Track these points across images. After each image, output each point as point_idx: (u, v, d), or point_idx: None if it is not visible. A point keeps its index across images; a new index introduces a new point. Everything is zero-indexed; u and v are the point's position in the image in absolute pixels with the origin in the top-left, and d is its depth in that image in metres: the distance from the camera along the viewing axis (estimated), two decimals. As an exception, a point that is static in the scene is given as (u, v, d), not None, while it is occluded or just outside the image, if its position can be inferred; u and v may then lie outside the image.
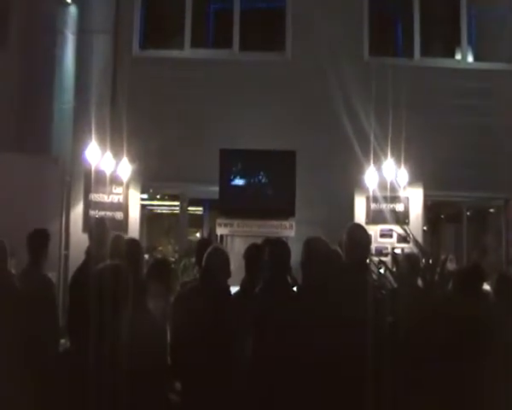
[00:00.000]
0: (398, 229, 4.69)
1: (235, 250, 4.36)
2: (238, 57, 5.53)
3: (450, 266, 3.81)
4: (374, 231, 4.98)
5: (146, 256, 4.38)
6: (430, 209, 5.66)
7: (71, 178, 4.83)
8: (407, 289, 2.76)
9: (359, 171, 5.09)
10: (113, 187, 5.00)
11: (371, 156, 5.02)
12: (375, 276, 3.30)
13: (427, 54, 5.61)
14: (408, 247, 4.56)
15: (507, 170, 5.29)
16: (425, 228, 5.32)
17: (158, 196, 8.03)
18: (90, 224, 4.08)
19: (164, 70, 5.40)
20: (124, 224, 4.87)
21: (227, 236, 4.54)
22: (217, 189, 4.59)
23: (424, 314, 2.39)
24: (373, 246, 4.90)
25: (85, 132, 4.66)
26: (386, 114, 4.90)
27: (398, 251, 4.73)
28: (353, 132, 5.08)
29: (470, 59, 5.74)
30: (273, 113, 5.37)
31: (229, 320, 2.37)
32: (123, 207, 4.94)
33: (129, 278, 1.86)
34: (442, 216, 6.06)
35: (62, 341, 2.95)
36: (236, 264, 4.37)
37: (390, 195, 5.07)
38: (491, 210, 5.83)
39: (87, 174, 4.77)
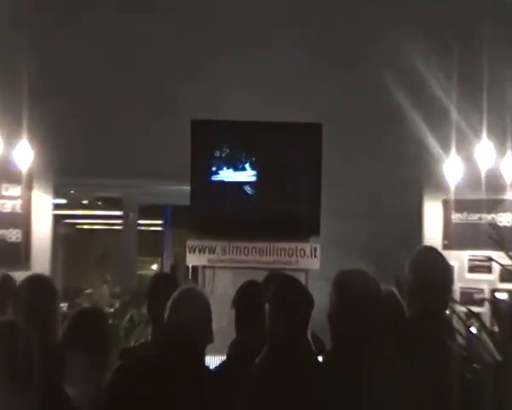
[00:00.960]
0: (502, 258, 4.49)
1: (219, 293, 4.41)
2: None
3: None
4: (458, 260, 5.02)
5: (63, 306, 4.40)
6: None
7: None
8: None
9: (432, 160, 5.22)
10: (4, 187, 5.00)
11: (453, 137, 5.10)
12: (461, 339, 3.29)
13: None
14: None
15: None
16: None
17: (85, 202, 8.08)
18: None
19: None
20: (23, 249, 4.81)
21: (205, 268, 4.58)
22: (186, 188, 4.64)
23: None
24: (456, 287, 4.94)
25: None
26: (478, 72, 4.99)
27: (501, 297, 4.70)
28: (420, 98, 5.17)
29: None
30: (279, 64, 5.45)
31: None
32: (21, 220, 4.87)
33: (31, 346, 1.89)
34: None
35: None
36: (222, 317, 4.43)
37: (487, 198, 5.10)
38: None
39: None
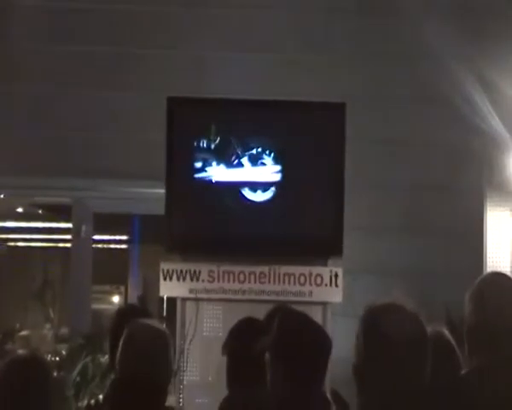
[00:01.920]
0: None
1: (204, 335, 4.42)
2: None
3: None
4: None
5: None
6: None
7: None
8: None
9: (496, 155, 5.23)
10: None
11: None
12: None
13: None
14: None
15: None
16: None
17: (19, 210, 8.11)
18: None
19: None
20: None
21: (185, 301, 4.60)
22: (160, 192, 4.67)
23: None
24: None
25: None
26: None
27: None
28: (479, 73, 5.23)
29: None
30: (283, 25, 5.50)
31: None
32: None
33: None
34: None
35: None
36: (209, 367, 4.44)
37: None
38: None
39: None
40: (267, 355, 2.72)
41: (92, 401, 3.66)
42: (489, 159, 5.28)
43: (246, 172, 4.54)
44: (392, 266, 5.17)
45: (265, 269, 4.52)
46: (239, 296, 4.48)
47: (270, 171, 4.55)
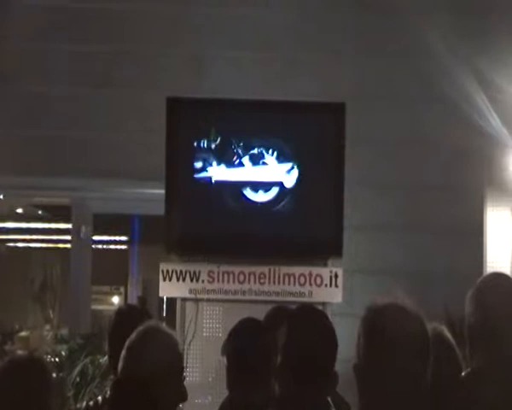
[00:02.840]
0: None
1: (204, 336, 4.42)
2: None
3: None
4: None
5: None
6: None
7: None
8: None
9: (496, 154, 5.24)
10: None
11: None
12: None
13: None
14: None
15: None
16: None
17: (19, 211, 8.10)
18: None
19: None
20: None
21: (185, 302, 4.60)
22: (160, 192, 4.67)
23: None
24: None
25: None
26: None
27: None
28: (479, 74, 5.23)
29: None
30: (279, 24, 5.51)
31: None
32: None
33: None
34: None
35: None
36: (208, 368, 4.43)
37: None
38: None
39: None
40: (278, 358, 2.70)
41: (91, 403, 3.65)
42: (489, 158, 5.28)
43: (246, 172, 4.54)
44: (392, 266, 5.17)
45: (265, 269, 4.52)
46: (239, 297, 4.48)
47: (271, 170, 4.55)
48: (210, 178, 4.53)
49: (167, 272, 4.54)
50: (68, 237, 6.15)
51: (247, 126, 4.62)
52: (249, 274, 4.52)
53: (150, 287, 8.27)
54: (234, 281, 4.51)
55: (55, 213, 8.01)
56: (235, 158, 4.55)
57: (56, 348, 5.81)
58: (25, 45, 5.50)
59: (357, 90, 5.31)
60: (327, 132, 4.57)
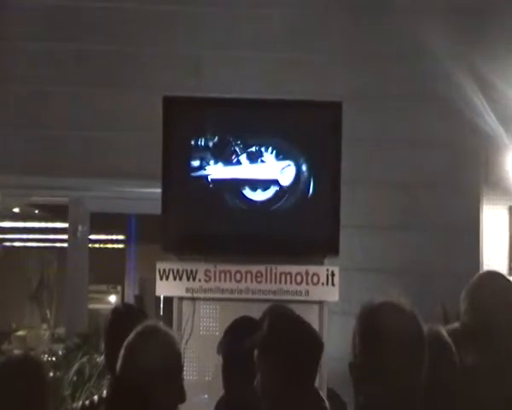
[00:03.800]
0: None
1: (201, 334, 4.42)
2: None
3: None
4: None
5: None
6: None
7: None
8: None
9: (492, 152, 5.25)
10: None
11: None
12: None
13: None
14: None
15: None
16: None
17: (16, 210, 8.10)
18: None
19: None
20: None
21: (181, 300, 4.60)
22: (156, 191, 4.67)
23: None
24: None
25: None
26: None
27: None
28: (476, 72, 5.24)
29: None
30: (278, 20, 5.51)
31: None
32: None
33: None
34: None
35: None
36: (205, 367, 4.43)
37: None
38: None
39: None
40: (256, 353, 2.72)
41: (87, 402, 3.65)
42: (485, 157, 5.30)
43: (244, 170, 4.54)
44: (388, 264, 5.18)
45: (262, 268, 4.52)
46: (236, 296, 4.48)
47: (268, 169, 4.55)
48: (207, 176, 4.53)
49: (164, 270, 4.54)
50: (65, 237, 6.14)
51: (244, 125, 4.61)
52: (246, 273, 4.52)
53: (147, 286, 8.27)
54: (230, 280, 4.51)
55: (52, 212, 8.00)
56: (232, 157, 4.55)
57: (53, 347, 5.82)
58: (22, 45, 5.51)
59: (354, 89, 5.32)
60: (324, 131, 4.57)
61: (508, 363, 2.59)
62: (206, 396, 3.76)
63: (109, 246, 10.09)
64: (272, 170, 4.55)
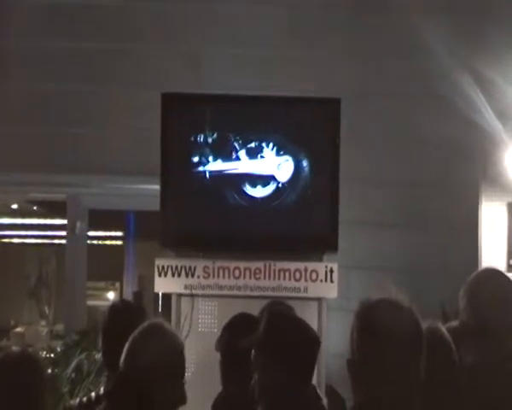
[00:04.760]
0: None
1: (199, 331, 4.42)
2: None
3: None
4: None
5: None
6: None
7: None
8: None
9: (492, 149, 5.25)
10: None
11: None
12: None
13: None
14: None
15: None
16: None
17: (14, 207, 8.09)
18: None
19: None
20: None
21: (180, 297, 4.60)
22: (155, 187, 4.67)
23: None
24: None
25: None
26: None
27: None
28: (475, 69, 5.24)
29: None
30: (279, 17, 5.51)
31: None
32: None
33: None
34: None
35: None
36: (203, 364, 4.42)
37: None
38: None
39: None
40: (252, 353, 2.73)
41: (84, 399, 3.65)
42: (484, 153, 5.29)
43: (243, 167, 4.54)
44: (387, 261, 5.18)
45: (261, 265, 4.52)
46: (234, 292, 4.48)
47: (267, 165, 4.55)
48: (206, 173, 4.53)
49: (162, 267, 4.54)
50: (63, 233, 6.14)
51: (243, 121, 4.61)
52: (245, 270, 4.52)
53: (146, 283, 8.27)
54: (229, 276, 4.52)
55: (51, 208, 8.00)
56: (231, 153, 4.55)
57: (51, 343, 5.82)
58: (20, 42, 5.50)
59: (353, 86, 5.31)
60: (322, 128, 4.58)
61: (506, 361, 2.59)
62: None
63: (108, 243, 10.10)
64: (271, 167, 4.55)
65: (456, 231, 5.26)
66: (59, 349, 5.37)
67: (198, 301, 4.53)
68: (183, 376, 2.61)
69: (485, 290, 2.62)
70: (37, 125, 5.51)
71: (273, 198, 4.53)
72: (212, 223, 4.55)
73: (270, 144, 4.55)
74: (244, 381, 2.96)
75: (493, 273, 2.78)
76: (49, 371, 4.94)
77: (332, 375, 3.85)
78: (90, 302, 7.04)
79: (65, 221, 5.96)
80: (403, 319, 2.30)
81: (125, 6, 5.51)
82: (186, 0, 5.54)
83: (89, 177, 5.55)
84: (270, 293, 4.41)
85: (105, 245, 9.90)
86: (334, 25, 5.48)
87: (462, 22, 5.35)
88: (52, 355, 5.39)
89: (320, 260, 4.57)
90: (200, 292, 4.52)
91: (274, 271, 4.53)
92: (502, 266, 5.16)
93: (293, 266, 4.52)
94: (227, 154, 4.54)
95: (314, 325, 3.56)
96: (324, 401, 2.96)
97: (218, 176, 4.53)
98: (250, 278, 4.51)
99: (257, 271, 4.52)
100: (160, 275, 4.54)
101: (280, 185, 4.54)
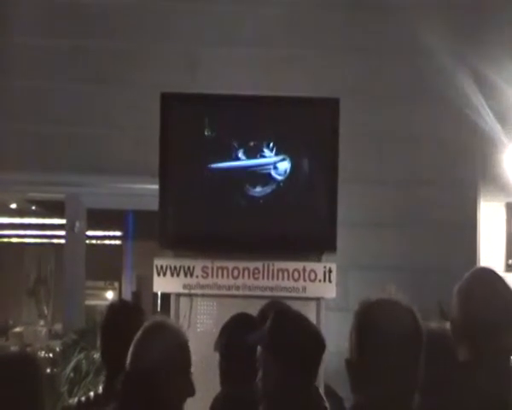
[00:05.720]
0: None
1: (198, 331, 4.42)
2: None
3: None
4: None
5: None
6: None
7: None
8: None
9: (490, 150, 5.26)
10: None
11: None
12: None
13: None
14: None
15: None
16: None
17: (13, 206, 8.08)
18: None
19: None
20: None
21: (179, 297, 4.60)
22: (153, 187, 4.67)
23: None
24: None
25: None
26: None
27: None
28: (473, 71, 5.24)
29: None
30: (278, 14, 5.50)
31: None
32: None
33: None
34: None
35: None
36: (201, 364, 4.43)
37: None
38: None
39: None
40: (259, 349, 2.72)
41: (83, 398, 3.64)
42: (483, 154, 5.30)
43: (241, 167, 4.54)
44: (386, 261, 5.18)
45: (259, 265, 4.51)
46: (233, 292, 4.48)
47: (266, 165, 4.55)
48: (204, 172, 4.52)
49: (161, 267, 4.54)
50: (62, 233, 6.14)
51: (242, 121, 4.61)
52: (243, 269, 4.52)
53: (144, 282, 8.27)
54: (228, 276, 4.51)
55: (49, 208, 7.99)
56: (230, 153, 4.55)
57: (50, 343, 5.81)
58: (18, 40, 5.49)
59: (351, 86, 5.31)
60: (321, 128, 4.57)
61: (497, 360, 2.58)
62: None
63: (106, 242, 10.08)
64: (269, 165, 4.54)
65: (455, 231, 5.27)
66: (58, 349, 5.38)
67: (197, 301, 4.52)
68: (189, 369, 2.63)
69: (478, 290, 2.62)
70: (36, 125, 5.50)
71: (272, 198, 4.53)
72: (210, 223, 4.54)
73: (269, 144, 4.55)
74: (243, 381, 2.96)
75: (486, 273, 2.78)
76: (48, 370, 4.94)
77: (330, 375, 3.85)
78: (89, 302, 7.05)
79: (64, 221, 5.96)
80: (402, 318, 2.30)
81: (124, 6, 5.51)
82: (185, 0, 5.53)
83: (87, 176, 5.55)
84: (268, 293, 4.41)
85: (104, 245, 9.89)
86: (332, 25, 5.48)
87: (462, 23, 5.35)
88: (51, 355, 5.40)
89: (319, 260, 4.56)
90: (198, 292, 4.51)
91: (272, 271, 4.52)
92: (500, 265, 5.17)
93: (291, 266, 4.52)
94: (226, 154, 4.53)
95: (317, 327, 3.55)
96: (326, 403, 2.95)
97: (217, 176, 4.53)
98: (249, 277, 4.50)
99: (255, 271, 4.51)
100: (158, 275, 4.53)
101: (279, 185, 4.53)
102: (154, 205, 4.56)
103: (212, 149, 4.54)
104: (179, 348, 2.62)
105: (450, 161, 5.33)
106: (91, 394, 3.63)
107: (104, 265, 8.87)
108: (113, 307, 3.62)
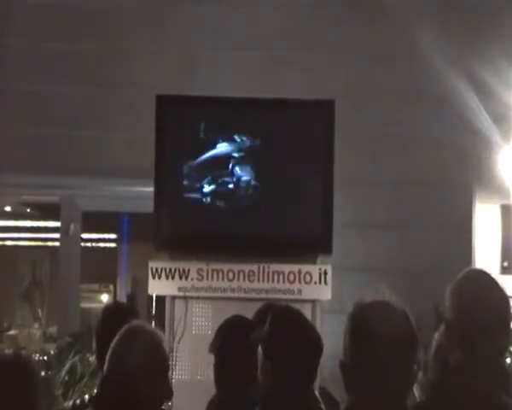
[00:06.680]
0: None
1: (193, 333, 4.42)
2: None
3: None
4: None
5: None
6: None
7: None
8: None
9: (486, 152, 5.26)
10: None
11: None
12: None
13: None
14: None
15: None
16: None
17: (7, 209, 8.08)
18: None
19: None
20: None
21: (174, 299, 4.61)
22: (148, 190, 4.67)
23: None
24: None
25: None
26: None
27: None
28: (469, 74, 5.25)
29: None
30: (271, 16, 5.52)
31: None
32: None
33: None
34: None
35: None
36: (197, 366, 4.43)
37: None
38: None
39: None
40: (259, 349, 2.72)
41: (78, 401, 3.65)
42: (478, 156, 5.31)
43: (237, 169, 4.55)
44: (381, 263, 5.19)
45: (255, 267, 4.52)
46: (228, 294, 4.48)
47: (262, 167, 4.56)
48: (200, 175, 4.54)
49: (156, 269, 4.54)
50: (57, 235, 6.14)
51: (237, 123, 4.62)
52: (238, 272, 4.52)
53: (139, 285, 8.27)
54: (223, 279, 4.52)
55: (44, 211, 7.99)
56: (225, 155, 4.55)
57: (45, 346, 5.81)
58: (14, 43, 5.50)
59: (346, 87, 5.32)
60: (316, 130, 4.58)
61: (485, 361, 2.59)
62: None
63: (101, 245, 10.08)
64: (264, 169, 4.55)
65: (451, 233, 5.28)
66: (52, 352, 5.37)
67: (192, 304, 4.53)
68: (166, 371, 2.64)
69: (470, 291, 2.62)
70: (31, 127, 5.51)
71: (267, 200, 4.54)
72: (206, 225, 4.55)
73: (265, 146, 4.56)
74: (238, 384, 2.96)
75: (479, 275, 2.78)
76: (43, 373, 4.94)
77: (325, 377, 3.85)
78: (84, 305, 7.04)
79: (58, 223, 5.96)
80: (396, 320, 2.31)
81: (120, 9, 5.51)
82: (181, 2, 5.54)
83: (82, 179, 5.55)
84: (264, 295, 4.41)
85: (99, 247, 9.89)
86: (329, 26, 5.49)
87: (458, 24, 5.37)
88: (45, 358, 5.39)
89: (314, 262, 4.57)
90: (193, 294, 4.52)
91: (268, 273, 4.53)
92: (495, 267, 5.18)
93: (287, 268, 4.53)
94: (221, 156, 4.54)
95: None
96: (322, 405, 2.95)
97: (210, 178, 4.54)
98: (244, 280, 4.51)
99: (251, 273, 4.52)
100: (153, 277, 4.54)
101: (274, 187, 4.54)
102: (149, 207, 4.56)
103: (207, 151, 4.54)
104: (156, 352, 2.62)
105: (446, 163, 5.35)
106: (86, 397, 3.63)
107: (99, 267, 8.86)
108: (108, 310, 3.63)
